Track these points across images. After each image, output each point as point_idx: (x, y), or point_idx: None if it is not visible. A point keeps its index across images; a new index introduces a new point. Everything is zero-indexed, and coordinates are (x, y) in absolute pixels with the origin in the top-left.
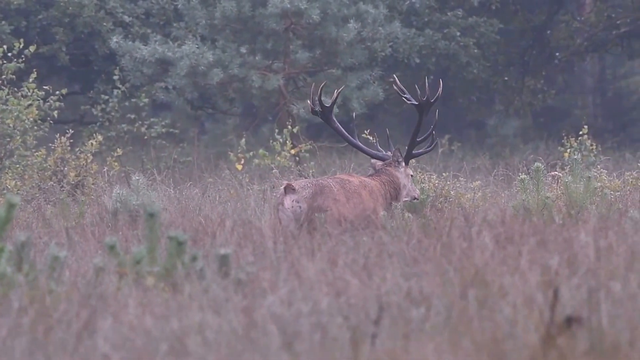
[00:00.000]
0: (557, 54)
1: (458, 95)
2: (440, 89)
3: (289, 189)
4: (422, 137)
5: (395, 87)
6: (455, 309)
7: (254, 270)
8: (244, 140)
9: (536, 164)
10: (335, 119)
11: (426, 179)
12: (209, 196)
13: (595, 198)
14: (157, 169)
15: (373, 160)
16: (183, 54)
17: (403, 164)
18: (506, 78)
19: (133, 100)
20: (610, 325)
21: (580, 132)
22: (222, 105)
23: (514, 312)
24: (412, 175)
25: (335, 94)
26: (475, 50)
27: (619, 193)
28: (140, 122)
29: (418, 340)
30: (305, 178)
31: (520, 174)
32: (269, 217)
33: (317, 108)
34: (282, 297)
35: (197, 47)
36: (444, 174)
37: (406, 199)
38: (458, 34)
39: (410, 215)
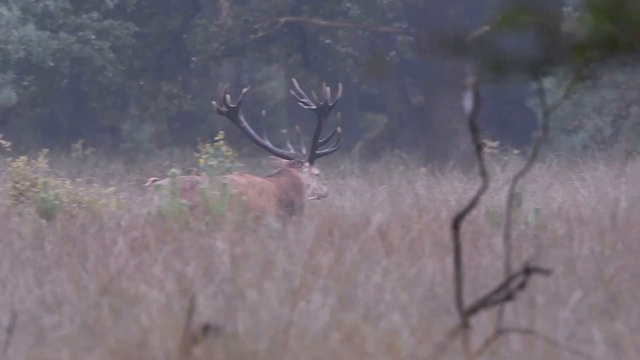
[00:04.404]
0: (194, 58)
1: (92, 99)
2: (340, 92)
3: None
4: (324, 140)
5: (292, 92)
6: (89, 316)
7: None
8: None
9: (172, 170)
10: (242, 119)
11: (60, 184)
12: None
13: (232, 205)
14: None
15: (272, 159)
16: None
17: (307, 164)
18: (142, 82)
19: None
20: (248, 334)
21: (216, 138)
22: None
23: (150, 320)
24: (317, 175)
25: (243, 92)
26: (111, 54)
27: None
28: None
29: (52, 347)
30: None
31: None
32: None
33: (223, 108)
34: None
35: None
36: (77, 179)
37: (312, 197)
38: (93, 37)
39: (44, 221)
